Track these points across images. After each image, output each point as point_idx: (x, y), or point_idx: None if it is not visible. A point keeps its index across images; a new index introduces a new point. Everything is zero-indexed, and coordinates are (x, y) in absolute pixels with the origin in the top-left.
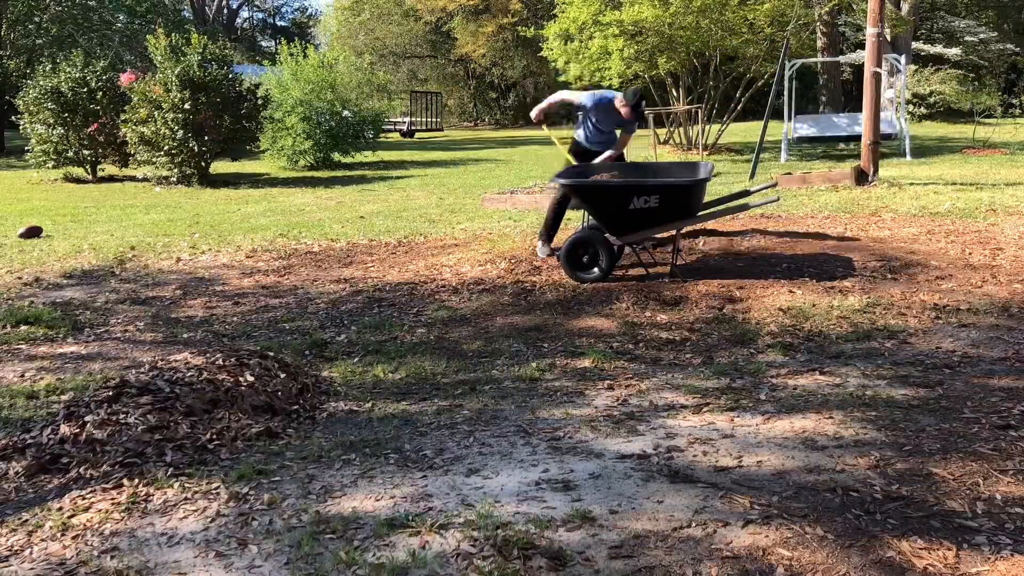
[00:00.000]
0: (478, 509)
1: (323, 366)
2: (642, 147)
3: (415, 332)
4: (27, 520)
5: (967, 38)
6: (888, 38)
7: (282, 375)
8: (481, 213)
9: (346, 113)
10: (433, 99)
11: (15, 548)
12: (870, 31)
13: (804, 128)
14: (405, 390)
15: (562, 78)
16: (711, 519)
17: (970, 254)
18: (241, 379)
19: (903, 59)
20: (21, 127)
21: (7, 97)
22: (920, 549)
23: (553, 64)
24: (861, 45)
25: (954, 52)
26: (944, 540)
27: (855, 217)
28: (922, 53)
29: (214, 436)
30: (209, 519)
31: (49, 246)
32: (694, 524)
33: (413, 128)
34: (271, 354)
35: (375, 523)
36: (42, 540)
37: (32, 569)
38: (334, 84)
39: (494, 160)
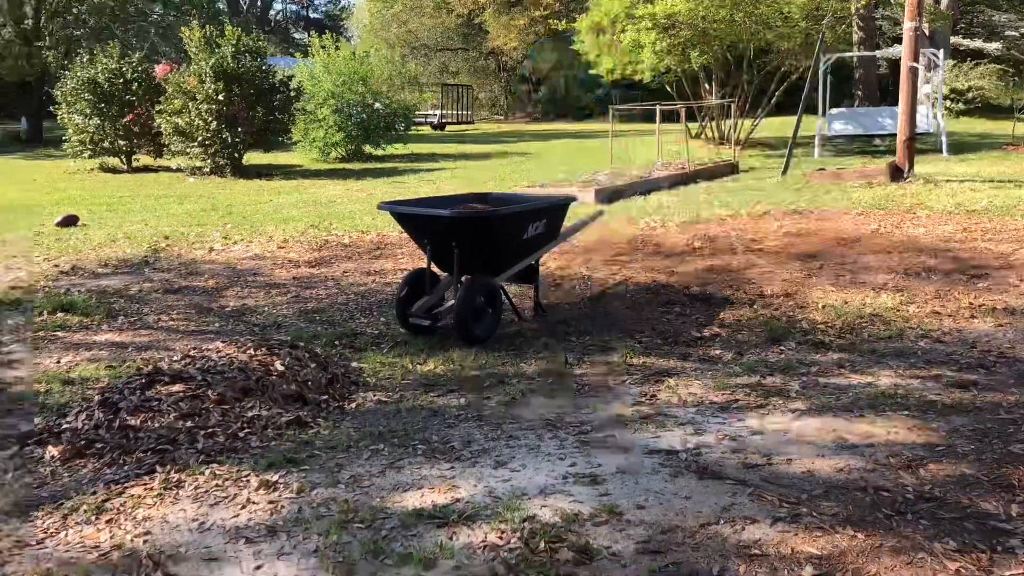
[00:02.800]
0: (505, 501)
1: (352, 357)
2: (672, 142)
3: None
4: (63, 503)
5: (1008, 32)
6: (926, 32)
7: (312, 365)
8: None
9: (377, 105)
10: (464, 92)
11: (51, 531)
12: (908, 25)
13: (839, 124)
14: (433, 382)
15: (593, 71)
16: (739, 516)
17: (1010, 253)
18: (272, 369)
19: (941, 54)
20: (59, 117)
21: (46, 88)
22: (952, 551)
23: (584, 57)
24: (898, 39)
25: (994, 47)
26: (977, 543)
27: (889, 214)
28: (961, 48)
29: (245, 424)
30: (239, 506)
31: (85, 235)
32: (722, 521)
33: (444, 121)
34: (301, 344)
35: (403, 513)
36: (77, 523)
37: (67, 551)
38: (366, 77)
39: (524, 153)
